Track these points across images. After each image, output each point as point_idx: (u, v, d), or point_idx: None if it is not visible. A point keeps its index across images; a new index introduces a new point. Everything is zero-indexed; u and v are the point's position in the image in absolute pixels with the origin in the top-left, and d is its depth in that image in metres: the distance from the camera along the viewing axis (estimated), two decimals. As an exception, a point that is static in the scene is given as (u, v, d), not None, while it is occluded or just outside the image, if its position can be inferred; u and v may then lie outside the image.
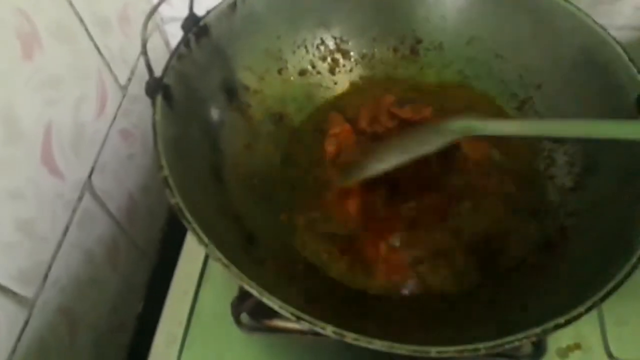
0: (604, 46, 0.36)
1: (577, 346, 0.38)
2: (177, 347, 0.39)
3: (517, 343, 0.26)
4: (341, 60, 0.45)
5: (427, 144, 0.34)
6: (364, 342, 0.26)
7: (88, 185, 0.43)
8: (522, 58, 0.41)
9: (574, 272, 0.32)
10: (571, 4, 0.38)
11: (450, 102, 0.42)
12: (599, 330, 0.38)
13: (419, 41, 0.45)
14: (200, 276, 0.43)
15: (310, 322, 0.26)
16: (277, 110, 0.43)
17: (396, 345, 0.25)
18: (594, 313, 0.37)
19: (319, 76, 0.45)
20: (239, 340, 0.40)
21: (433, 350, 0.26)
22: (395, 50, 0.45)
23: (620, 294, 0.39)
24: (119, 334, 0.49)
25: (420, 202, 0.36)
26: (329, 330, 0.26)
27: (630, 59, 0.34)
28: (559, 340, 0.38)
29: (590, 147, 0.36)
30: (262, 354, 0.40)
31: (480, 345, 0.26)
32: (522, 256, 0.35)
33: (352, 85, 0.45)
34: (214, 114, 0.39)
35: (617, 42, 0.35)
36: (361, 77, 0.45)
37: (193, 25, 0.37)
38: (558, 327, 0.26)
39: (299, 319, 0.27)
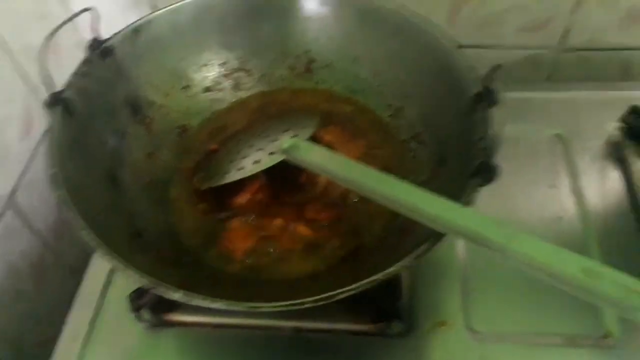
0: (450, 56, 0.41)
1: (443, 323, 0.42)
2: (80, 343, 0.43)
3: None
4: (244, 79, 0.50)
5: (258, 165, 0.40)
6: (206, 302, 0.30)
7: (11, 202, 0.47)
8: (394, 73, 0.47)
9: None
10: (429, 24, 0.43)
11: (335, 113, 0.48)
12: (462, 308, 0.42)
13: (312, 60, 0.50)
14: (110, 275, 0.47)
15: (163, 287, 0.31)
16: (181, 124, 0.48)
17: (232, 302, 0.30)
18: (455, 293, 0.43)
19: (222, 93, 0.50)
20: (142, 336, 0.43)
21: (265, 306, 0.30)
22: (292, 68, 0.50)
23: (481, 275, 0.44)
24: (44, 349, 0.52)
25: (289, 197, 0.41)
26: (178, 294, 0.31)
27: (469, 66, 0.40)
28: (427, 319, 0.42)
29: (442, 146, 0.41)
30: (165, 349, 0.43)
31: (306, 300, 0.30)
32: (383, 236, 0.40)
33: (252, 98, 0.50)
34: (117, 125, 0.44)
35: (460, 53, 0.41)
36: (263, 93, 0.51)
37: (97, 46, 0.42)
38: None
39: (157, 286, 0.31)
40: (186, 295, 0.30)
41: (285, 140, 0.40)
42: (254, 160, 0.40)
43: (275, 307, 0.30)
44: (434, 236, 0.31)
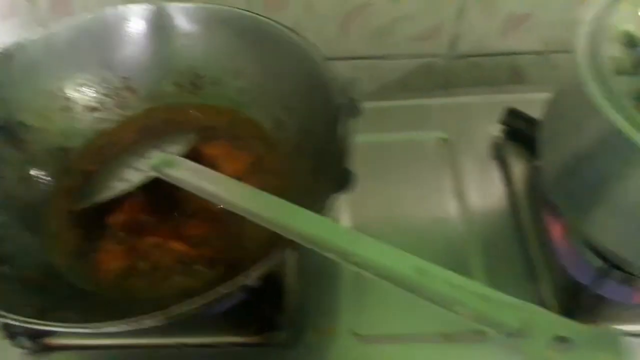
0: (320, 69, 0.42)
1: (328, 330, 0.42)
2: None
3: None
4: (129, 97, 0.50)
5: (126, 183, 0.39)
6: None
7: None
8: (275, 86, 0.47)
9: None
10: (300, 37, 0.44)
11: (221, 127, 0.48)
12: (347, 314, 0.43)
13: (197, 76, 0.50)
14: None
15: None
16: (62, 145, 0.47)
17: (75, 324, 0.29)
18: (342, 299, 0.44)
19: (106, 112, 0.49)
20: None
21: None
22: (178, 85, 0.50)
23: (367, 281, 0.45)
24: None
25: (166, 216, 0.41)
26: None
27: (334, 78, 0.41)
28: (312, 327, 0.42)
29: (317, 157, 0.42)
30: None
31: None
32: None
33: (138, 116, 0.50)
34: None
35: (327, 66, 0.42)
36: (149, 110, 0.50)
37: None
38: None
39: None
40: (47, 324, 0.30)
41: (155, 157, 0.40)
42: (123, 179, 0.40)
43: (113, 324, 0.29)
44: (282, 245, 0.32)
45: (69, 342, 0.42)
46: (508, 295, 0.25)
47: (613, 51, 0.34)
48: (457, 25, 0.59)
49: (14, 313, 0.31)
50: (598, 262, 0.42)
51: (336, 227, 0.31)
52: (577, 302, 0.41)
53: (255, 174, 0.45)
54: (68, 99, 0.48)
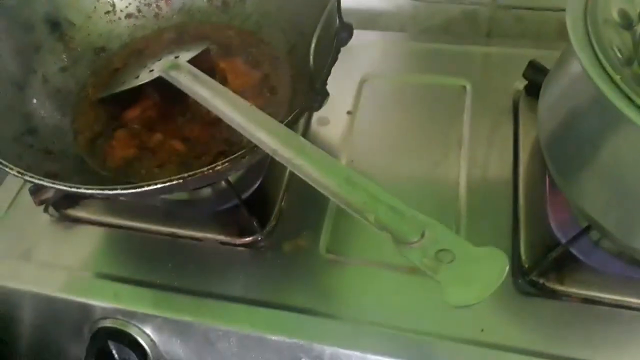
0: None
1: (307, 245, 0.45)
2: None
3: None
4: (164, 8, 0.54)
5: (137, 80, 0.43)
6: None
7: None
8: (294, 10, 0.49)
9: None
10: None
11: (240, 46, 0.51)
12: (324, 233, 0.46)
13: (229, -7, 0.53)
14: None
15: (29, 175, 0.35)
16: (100, 45, 0.52)
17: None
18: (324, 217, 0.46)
19: (143, 19, 0.54)
20: (49, 230, 0.49)
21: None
22: (209, 1, 0.53)
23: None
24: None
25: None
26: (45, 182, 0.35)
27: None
28: (290, 237, 0.46)
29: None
30: (68, 240, 0.48)
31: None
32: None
33: (169, 28, 0.54)
34: (33, 39, 0.48)
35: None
36: (181, 23, 0.54)
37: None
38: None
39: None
40: (54, 183, 0.35)
41: (167, 60, 0.43)
42: (136, 76, 0.44)
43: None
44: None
45: (86, 216, 0.49)
46: (415, 211, 0.27)
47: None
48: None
49: (31, 172, 0.37)
50: (583, 223, 0.42)
51: (287, 133, 0.33)
52: (548, 257, 0.41)
53: (257, 90, 0.48)
54: (111, 3, 0.53)
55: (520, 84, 0.52)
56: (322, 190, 0.30)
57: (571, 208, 0.44)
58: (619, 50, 0.33)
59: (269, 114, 0.45)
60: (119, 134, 0.45)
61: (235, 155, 0.34)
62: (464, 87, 0.54)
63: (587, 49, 0.31)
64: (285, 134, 0.33)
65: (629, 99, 0.30)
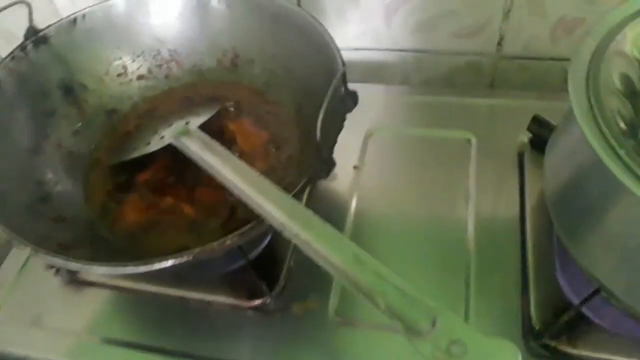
0: (337, 61, 0.44)
1: (316, 307, 0.45)
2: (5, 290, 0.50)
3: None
4: (175, 69, 0.55)
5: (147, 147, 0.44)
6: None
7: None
8: (301, 72, 0.50)
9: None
10: (322, 28, 0.46)
11: (249, 106, 0.52)
12: (332, 296, 0.46)
13: (237, 55, 0.54)
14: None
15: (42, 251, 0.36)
16: (112, 107, 0.53)
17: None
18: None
19: (154, 80, 0.55)
20: (60, 293, 0.49)
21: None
22: (219, 62, 0.55)
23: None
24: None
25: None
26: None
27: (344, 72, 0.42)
28: (299, 300, 0.46)
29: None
30: (78, 303, 0.49)
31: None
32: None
33: (181, 88, 0.55)
34: (48, 105, 0.50)
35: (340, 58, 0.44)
36: (191, 83, 0.55)
37: (33, 35, 0.48)
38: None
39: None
40: (67, 260, 0.35)
41: (178, 126, 0.44)
42: (147, 143, 0.45)
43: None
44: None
45: (95, 279, 0.49)
46: (423, 294, 0.27)
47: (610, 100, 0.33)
48: (503, 25, 0.58)
49: (42, 246, 0.37)
50: (595, 284, 0.41)
51: (295, 206, 0.33)
52: (560, 319, 0.41)
53: (265, 150, 0.48)
54: (123, 66, 0.54)
55: (525, 137, 0.53)
56: (329, 270, 0.30)
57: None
58: (622, 118, 0.34)
59: (277, 176, 0.47)
60: (130, 198, 0.46)
61: (244, 229, 0.35)
62: (469, 140, 0.55)
63: (590, 120, 0.32)
64: (293, 207, 0.34)
65: (632, 171, 0.30)
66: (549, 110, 0.52)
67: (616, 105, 0.34)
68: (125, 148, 0.48)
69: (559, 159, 0.41)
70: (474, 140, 0.54)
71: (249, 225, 0.35)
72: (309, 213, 0.33)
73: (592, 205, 0.36)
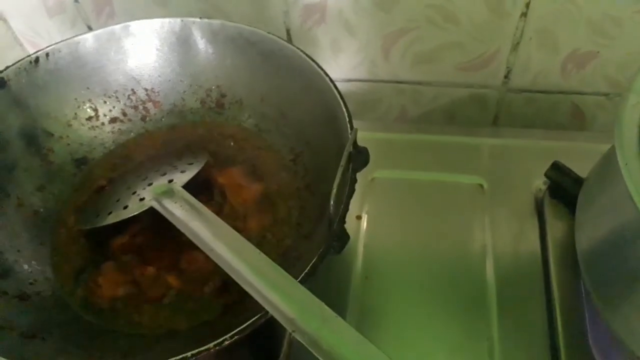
0: (338, 108, 0.39)
1: None
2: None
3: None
4: (152, 110, 0.49)
5: (125, 211, 0.38)
6: None
7: None
8: (298, 116, 0.45)
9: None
10: (323, 71, 0.41)
11: (238, 153, 0.46)
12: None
13: (223, 95, 0.49)
14: None
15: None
16: (82, 155, 0.47)
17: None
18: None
19: (129, 123, 0.49)
20: None
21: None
22: (203, 102, 0.49)
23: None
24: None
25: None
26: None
27: (349, 122, 0.37)
28: None
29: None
30: None
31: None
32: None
33: (159, 131, 0.49)
34: (6, 157, 0.43)
35: (343, 105, 0.39)
36: (171, 126, 0.49)
37: (-14, 79, 0.42)
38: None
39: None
40: None
41: (159, 185, 0.39)
42: (124, 206, 0.39)
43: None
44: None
45: None
46: None
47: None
48: (512, 58, 0.54)
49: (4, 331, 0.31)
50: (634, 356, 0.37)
51: (307, 298, 0.28)
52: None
53: (259, 206, 0.43)
54: (93, 108, 0.48)
55: (541, 182, 0.49)
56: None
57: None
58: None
59: (274, 237, 0.41)
60: (106, 268, 0.40)
61: (243, 326, 0.29)
62: (481, 185, 0.50)
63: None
64: (303, 299, 0.28)
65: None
66: (560, 152, 0.49)
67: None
68: (99, 208, 0.42)
69: (596, 217, 0.37)
70: (486, 186, 0.50)
71: (250, 321, 0.29)
72: (325, 309, 0.27)
73: (633, 269, 0.32)
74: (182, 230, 0.35)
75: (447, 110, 0.61)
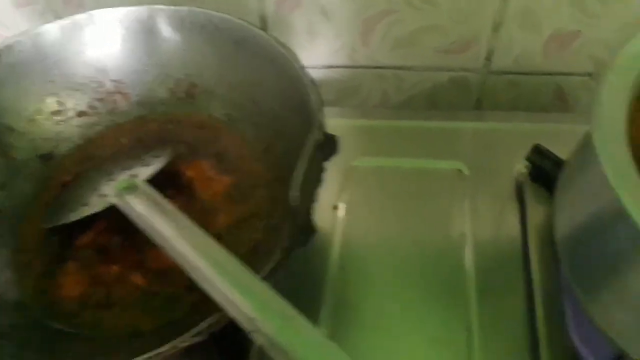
0: (307, 96, 0.37)
1: None
2: None
3: None
4: (120, 102, 0.47)
5: (86, 209, 0.36)
6: None
7: None
8: (270, 105, 0.43)
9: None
10: (292, 56, 0.39)
11: (208, 144, 0.45)
12: None
13: (193, 85, 0.47)
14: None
15: None
16: (47, 151, 0.45)
17: None
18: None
19: (97, 116, 0.47)
20: None
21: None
22: (172, 92, 0.47)
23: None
24: None
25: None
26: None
27: (319, 109, 0.36)
28: None
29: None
30: None
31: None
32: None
33: (127, 123, 0.47)
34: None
35: (315, 91, 0.37)
36: (140, 117, 0.48)
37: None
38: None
39: None
40: None
41: (121, 181, 0.37)
42: (85, 203, 0.38)
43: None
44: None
45: None
46: None
47: None
48: (493, 39, 0.52)
49: None
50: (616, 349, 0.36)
51: (272, 298, 0.26)
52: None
53: (227, 199, 0.41)
54: (58, 102, 0.46)
55: (522, 166, 0.47)
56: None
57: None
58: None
59: (243, 232, 0.40)
60: (69, 268, 0.39)
61: (209, 323, 0.28)
62: (460, 170, 0.49)
63: (630, 186, 0.26)
64: (265, 297, 0.27)
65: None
66: (543, 135, 0.47)
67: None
68: (61, 205, 0.40)
69: (574, 202, 0.35)
70: (466, 172, 0.48)
71: (214, 318, 0.28)
72: (289, 309, 0.26)
73: (614, 259, 0.31)
74: (142, 226, 0.33)
75: (429, 95, 0.59)
